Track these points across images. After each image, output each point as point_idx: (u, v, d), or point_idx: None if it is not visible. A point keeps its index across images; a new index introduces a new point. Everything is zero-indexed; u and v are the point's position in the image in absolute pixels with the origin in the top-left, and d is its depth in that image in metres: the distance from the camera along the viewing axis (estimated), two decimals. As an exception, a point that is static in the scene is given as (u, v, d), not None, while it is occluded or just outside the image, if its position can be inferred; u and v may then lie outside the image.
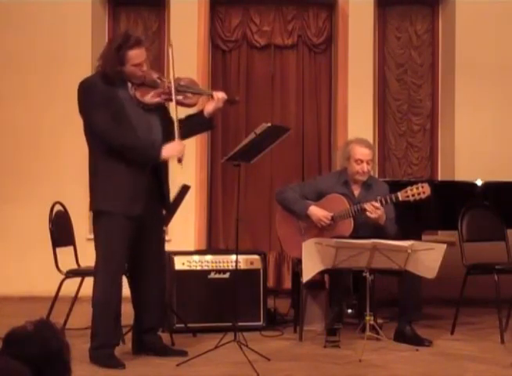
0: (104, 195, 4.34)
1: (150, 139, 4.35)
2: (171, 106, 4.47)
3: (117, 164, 4.30)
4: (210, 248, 7.11)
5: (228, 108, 6.26)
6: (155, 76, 4.45)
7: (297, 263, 5.11)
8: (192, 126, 4.60)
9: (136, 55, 4.32)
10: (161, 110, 4.50)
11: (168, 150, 4.32)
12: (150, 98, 4.39)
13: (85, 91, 4.35)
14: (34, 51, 7.15)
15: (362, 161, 5.19)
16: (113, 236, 4.31)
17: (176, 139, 4.33)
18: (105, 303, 4.34)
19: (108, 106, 4.27)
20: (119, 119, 4.29)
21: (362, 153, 5.20)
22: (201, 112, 4.59)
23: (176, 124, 4.35)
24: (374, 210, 4.93)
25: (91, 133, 4.37)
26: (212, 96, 4.54)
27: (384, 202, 4.98)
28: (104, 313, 4.34)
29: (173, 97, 4.36)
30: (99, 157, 4.36)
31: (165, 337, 4.74)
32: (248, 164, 4.88)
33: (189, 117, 4.61)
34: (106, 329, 4.34)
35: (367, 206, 4.94)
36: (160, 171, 4.45)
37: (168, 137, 4.37)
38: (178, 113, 4.37)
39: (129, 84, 4.38)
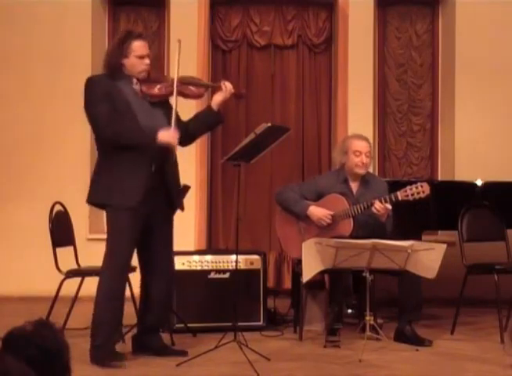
0: (102, 188, 4.34)
1: (151, 126, 4.30)
2: (174, 101, 4.43)
3: (118, 161, 4.30)
4: (210, 248, 7.11)
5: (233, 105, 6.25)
6: (160, 74, 4.48)
7: (297, 263, 5.11)
8: (200, 121, 4.59)
9: (139, 46, 4.36)
10: (165, 105, 4.46)
11: (164, 135, 4.27)
12: (156, 90, 4.40)
13: (88, 86, 4.37)
14: (34, 51, 7.15)
15: (360, 153, 5.19)
16: (116, 230, 4.33)
17: (172, 127, 4.30)
18: (108, 300, 4.29)
19: (109, 100, 4.28)
20: (121, 112, 4.29)
21: (360, 145, 5.21)
22: (208, 106, 4.58)
23: (174, 113, 4.33)
24: (383, 208, 4.92)
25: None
26: (220, 87, 4.52)
27: (383, 202, 4.97)
28: (105, 311, 4.30)
29: (174, 85, 4.35)
30: (101, 154, 4.41)
31: (165, 337, 4.74)
32: (248, 164, 4.87)
33: (196, 114, 4.61)
34: (108, 327, 4.31)
35: (377, 205, 4.93)
36: (167, 172, 4.43)
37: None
38: (185, 105, 4.36)
39: (134, 80, 4.39)
